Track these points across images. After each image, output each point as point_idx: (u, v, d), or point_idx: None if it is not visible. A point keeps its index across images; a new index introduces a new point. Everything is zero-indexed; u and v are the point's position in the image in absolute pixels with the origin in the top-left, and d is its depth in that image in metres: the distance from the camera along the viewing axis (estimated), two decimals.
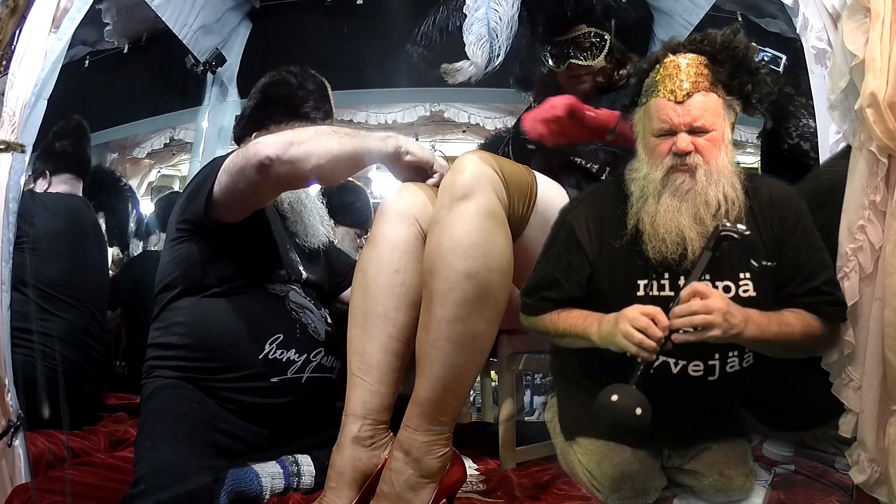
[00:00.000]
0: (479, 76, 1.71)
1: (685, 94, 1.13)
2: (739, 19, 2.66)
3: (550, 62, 1.74)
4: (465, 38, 1.70)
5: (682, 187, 1.13)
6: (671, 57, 1.18)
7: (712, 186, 1.12)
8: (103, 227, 2.62)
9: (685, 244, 1.12)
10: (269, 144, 1.26)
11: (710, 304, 1.03)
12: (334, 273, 1.72)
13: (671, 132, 1.15)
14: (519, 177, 1.29)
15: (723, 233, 1.10)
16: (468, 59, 1.69)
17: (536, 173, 1.37)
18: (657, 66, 1.19)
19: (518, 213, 1.28)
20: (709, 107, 1.13)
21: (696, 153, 1.13)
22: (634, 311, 1.07)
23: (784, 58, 1.85)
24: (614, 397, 1.04)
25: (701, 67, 1.15)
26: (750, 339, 1.08)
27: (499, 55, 1.70)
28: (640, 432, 1.04)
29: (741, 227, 1.10)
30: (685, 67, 1.15)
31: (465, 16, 1.71)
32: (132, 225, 2.91)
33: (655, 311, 1.06)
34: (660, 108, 1.15)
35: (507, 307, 1.32)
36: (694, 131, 1.13)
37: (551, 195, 1.36)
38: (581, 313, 1.19)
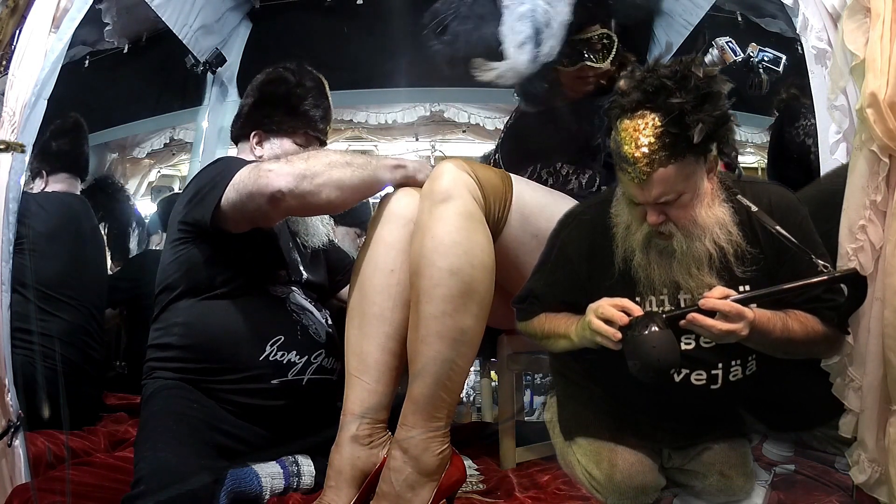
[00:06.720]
0: (515, 81, 1.51)
1: (644, 176, 1.04)
2: (739, 19, 2.66)
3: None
4: (504, 37, 1.46)
5: (666, 250, 1.12)
6: (626, 121, 1.06)
7: (696, 242, 1.10)
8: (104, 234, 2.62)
9: (684, 294, 1.12)
10: (281, 176, 1.24)
11: (738, 328, 1.02)
12: (334, 270, 1.72)
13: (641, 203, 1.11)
14: (494, 180, 1.32)
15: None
16: (506, 59, 1.45)
17: (513, 175, 1.39)
18: (616, 123, 1.08)
19: (495, 214, 1.31)
20: (671, 178, 1.04)
21: (669, 221, 1.10)
22: (602, 302, 1.09)
23: (784, 58, 1.84)
24: (646, 329, 1.03)
25: (657, 137, 1.03)
26: (752, 342, 1.08)
27: (539, 59, 1.46)
28: (653, 367, 1.02)
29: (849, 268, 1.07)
30: (641, 142, 1.03)
31: (505, 7, 1.49)
32: (133, 241, 2.90)
33: (625, 302, 1.07)
34: (625, 183, 1.10)
35: (505, 307, 1.33)
36: (662, 203, 1.09)
37: (528, 195, 1.38)
38: (565, 315, 1.21)
